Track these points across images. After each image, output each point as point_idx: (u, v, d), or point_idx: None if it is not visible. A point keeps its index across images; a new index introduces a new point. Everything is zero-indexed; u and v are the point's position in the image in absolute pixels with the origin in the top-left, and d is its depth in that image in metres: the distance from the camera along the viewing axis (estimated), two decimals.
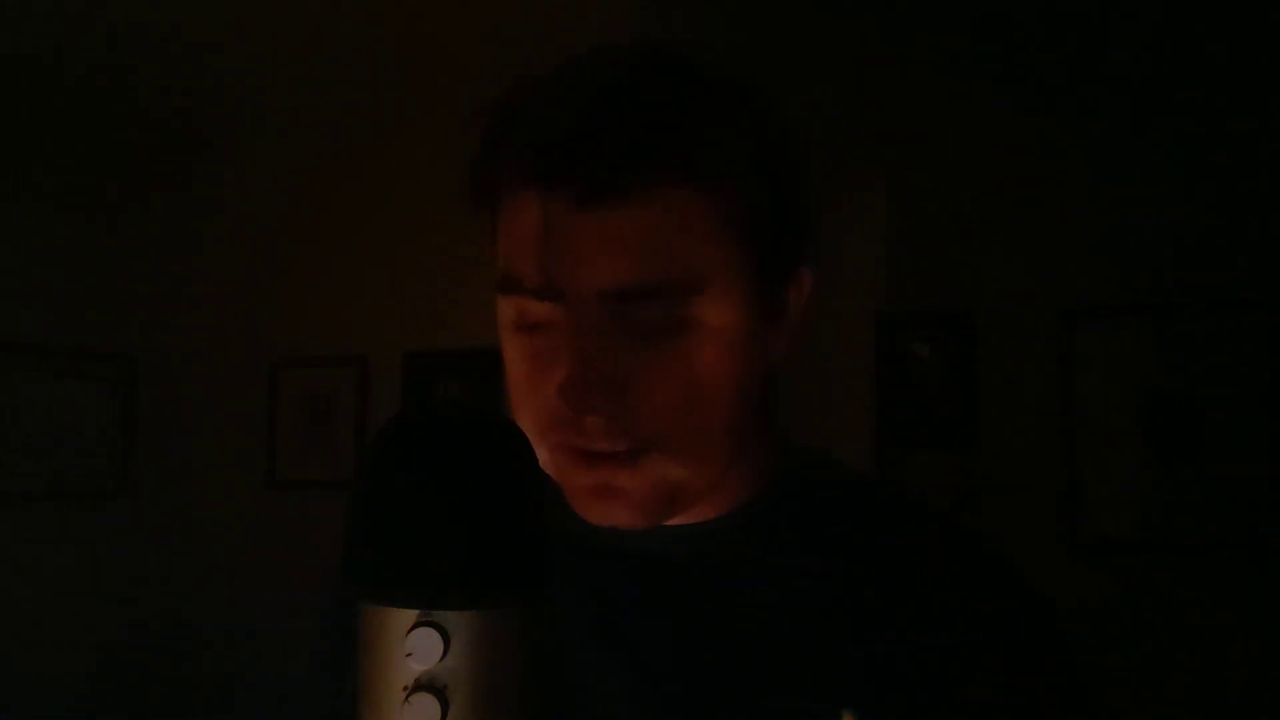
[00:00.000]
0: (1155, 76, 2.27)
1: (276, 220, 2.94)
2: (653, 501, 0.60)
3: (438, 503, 0.41)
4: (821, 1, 2.33)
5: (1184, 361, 2.19)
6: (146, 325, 2.91)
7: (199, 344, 2.97)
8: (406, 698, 0.40)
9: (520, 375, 0.62)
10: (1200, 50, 2.23)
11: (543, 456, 0.59)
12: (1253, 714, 2.05)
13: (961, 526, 0.72)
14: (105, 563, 2.70)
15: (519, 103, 0.61)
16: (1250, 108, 2.20)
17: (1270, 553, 2.10)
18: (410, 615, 0.40)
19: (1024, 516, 2.27)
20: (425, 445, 0.43)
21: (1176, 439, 2.18)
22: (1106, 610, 2.18)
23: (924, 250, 2.40)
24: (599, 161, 0.55)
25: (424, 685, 0.40)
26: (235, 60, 2.57)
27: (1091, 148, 2.31)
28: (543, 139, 0.57)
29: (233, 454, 2.93)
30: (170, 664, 2.71)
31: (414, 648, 0.40)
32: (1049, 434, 2.27)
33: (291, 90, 2.77)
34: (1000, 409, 2.32)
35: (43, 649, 2.48)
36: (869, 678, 0.61)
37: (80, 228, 2.76)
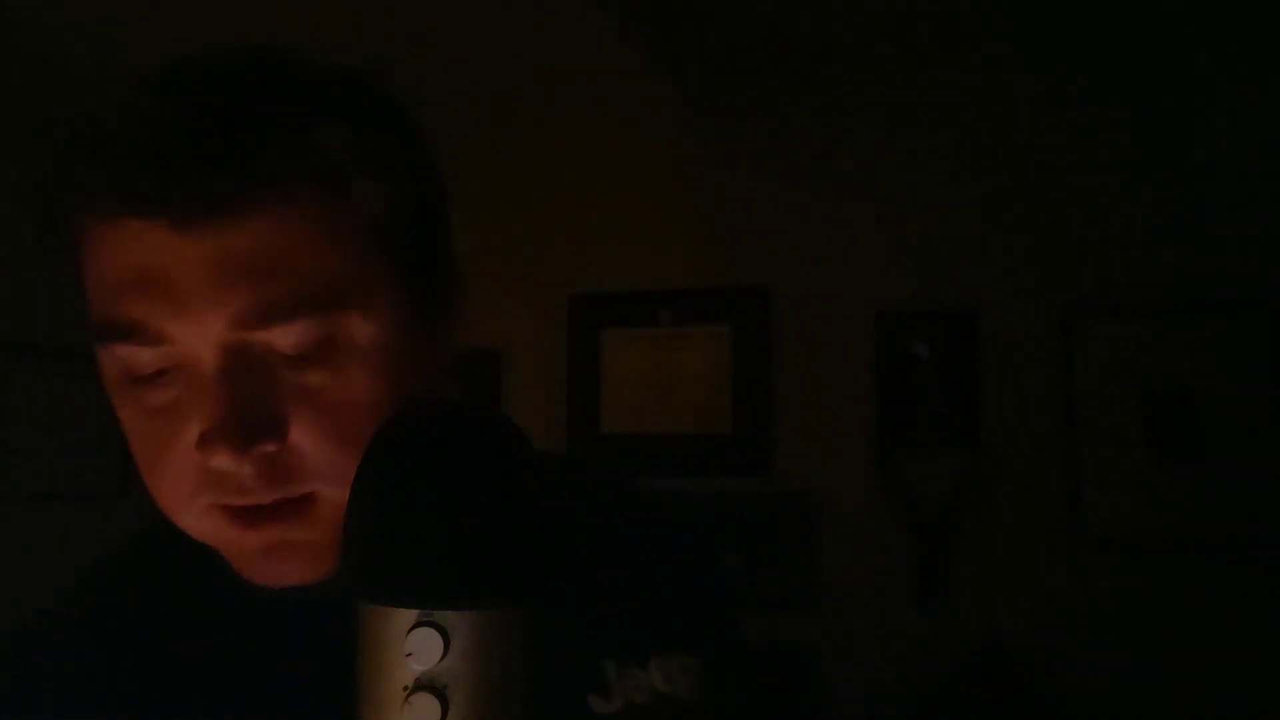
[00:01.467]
0: (1156, 76, 2.27)
1: None
2: (327, 550, 0.53)
3: (437, 503, 0.41)
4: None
5: (1184, 361, 2.19)
6: None
7: None
8: (406, 698, 0.40)
9: (145, 436, 0.54)
10: (1201, 50, 2.23)
11: (190, 523, 0.54)
12: (1253, 714, 2.05)
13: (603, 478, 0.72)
14: None
15: (98, 118, 0.53)
16: (1250, 108, 2.20)
17: (1270, 553, 2.10)
18: (410, 615, 0.40)
19: (1024, 516, 2.27)
20: (425, 445, 0.43)
21: (1176, 439, 2.18)
22: (1106, 610, 2.18)
23: (924, 250, 2.40)
24: (193, 177, 0.48)
25: (424, 685, 0.40)
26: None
27: (1092, 147, 2.31)
28: (124, 156, 0.50)
29: None
30: None
31: (414, 648, 0.40)
32: (1049, 434, 2.27)
33: None
34: (1000, 409, 2.32)
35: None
36: (614, 626, 0.59)
37: None
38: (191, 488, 0.53)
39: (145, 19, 2.32)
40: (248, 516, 0.52)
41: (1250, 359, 2.15)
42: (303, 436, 0.52)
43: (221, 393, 0.50)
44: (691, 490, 2.48)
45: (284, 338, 0.51)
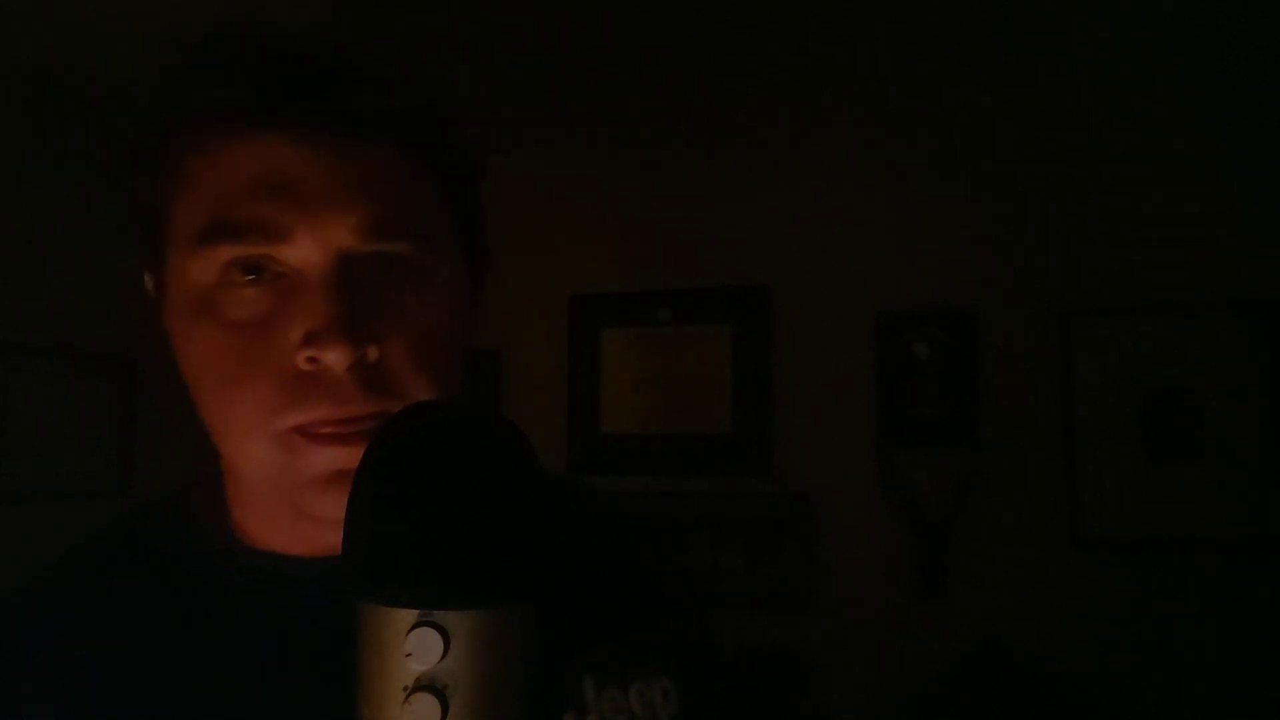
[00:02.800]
0: (1156, 76, 2.27)
1: None
2: None
3: (437, 503, 0.41)
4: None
5: (1183, 361, 2.19)
6: (146, 325, 2.90)
7: None
8: (406, 698, 0.40)
9: (237, 342, 0.54)
10: (1201, 50, 2.24)
11: (258, 451, 0.55)
12: (1253, 713, 2.05)
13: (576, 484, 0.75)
14: None
15: (221, 48, 0.58)
16: (1251, 107, 2.20)
17: (1270, 553, 2.10)
18: (410, 615, 0.40)
19: (1024, 516, 2.27)
20: (425, 445, 0.43)
21: (1176, 439, 2.18)
22: (1105, 609, 2.18)
23: (924, 250, 2.40)
24: (327, 98, 0.54)
25: (424, 685, 0.40)
26: None
27: (1092, 147, 2.31)
28: (267, 73, 0.55)
29: None
30: None
31: (414, 648, 0.40)
32: (1048, 434, 2.27)
33: None
34: (1000, 409, 2.32)
35: None
36: (595, 645, 0.61)
37: (80, 228, 2.76)
38: (277, 403, 0.54)
39: (146, 20, 2.32)
40: (333, 433, 0.53)
41: (1250, 359, 2.15)
42: (395, 352, 0.54)
43: (334, 294, 0.53)
44: (692, 490, 2.49)
45: (383, 253, 0.55)
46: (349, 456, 0.52)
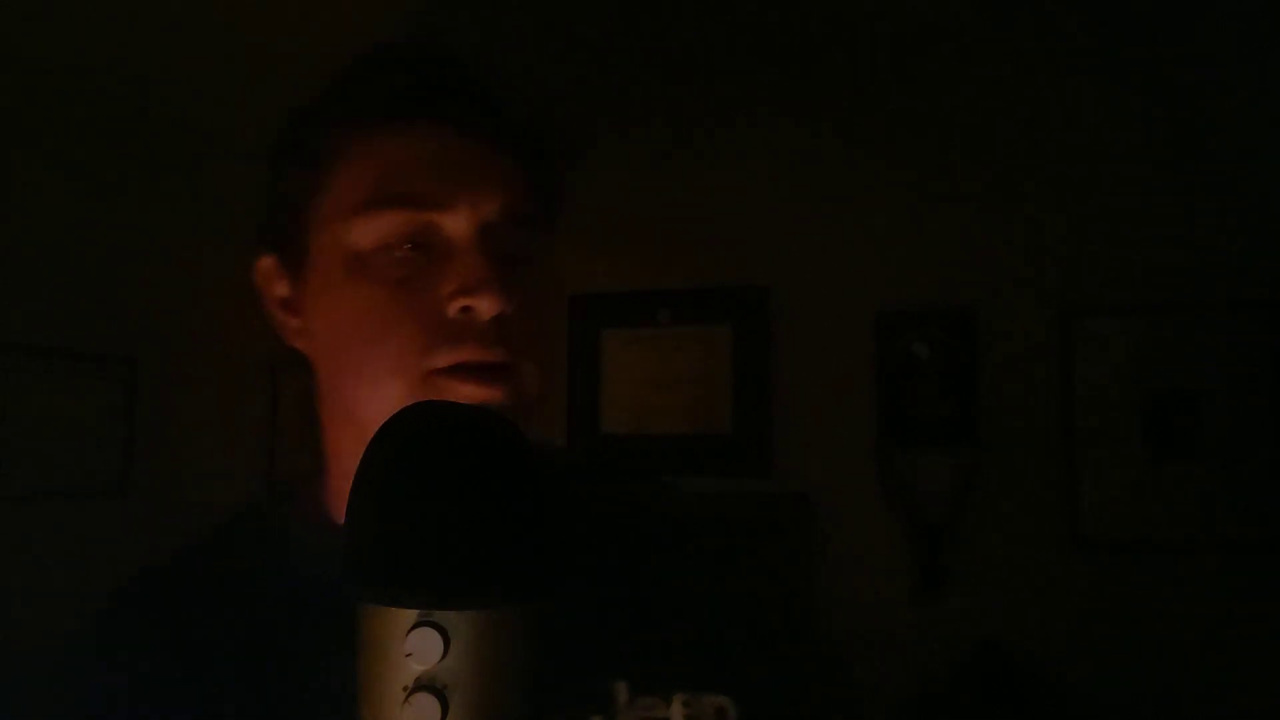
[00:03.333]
0: (1156, 76, 2.27)
1: None
2: (521, 423, 0.61)
3: (438, 502, 0.41)
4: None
5: (1184, 361, 2.19)
6: (146, 325, 2.90)
7: (199, 344, 2.97)
8: (406, 698, 0.40)
9: (388, 297, 0.63)
10: (1201, 50, 2.24)
11: (404, 387, 0.61)
12: (1253, 713, 2.05)
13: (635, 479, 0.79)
14: (105, 563, 2.70)
15: (390, 52, 0.69)
16: (1251, 107, 2.20)
17: (1269, 553, 2.10)
18: (410, 615, 0.40)
19: (1023, 516, 2.27)
20: (425, 445, 0.43)
21: (1176, 439, 2.18)
22: (1105, 609, 2.18)
23: (924, 250, 2.40)
24: (476, 100, 0.66)
25: (424, 685, 0.40)
26: (236, 60, 2.57)
27: (1092, 147, 2.31)
28: (427, 76, 0.66)
29: (233, 454, 2.93)
30: None
31: (414, 648, 0.40)
32: (1048, 434, 2.27)
33: (292, 90, 2.77)
34: (1000, 409, 2.32)
35: (42, 649, 2.48)
36: (634, 650, 0.60)
37: (81, 228, 2.76)
38: (424, 346, 0.61)
39: (145, 21, 2.31)
40: (477, 373, 0.62)
41: (1250, 359, 2.15)
42: (520, 312, 0.63)
43: (482, 258, 0.62)
44: (691, 490, 2.48)
45: (514, 232, 0.65)
46: (487, 394, 0.61)
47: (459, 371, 0.61)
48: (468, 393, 0.61)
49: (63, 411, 2.69)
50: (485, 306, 0.61)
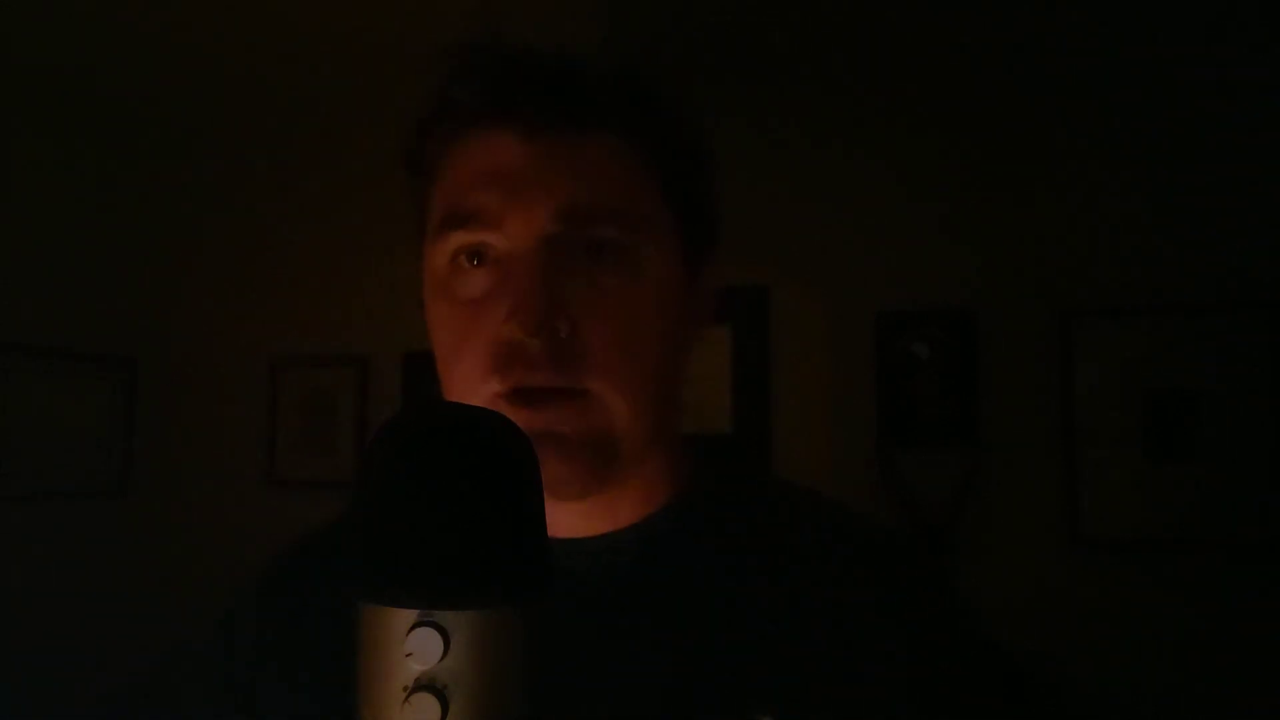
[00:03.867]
0: (1156, 76, 2.27)
1: (276, 220, 2.94)
2: (590, 454, 0.60)
3: (437, 502, 0.41)
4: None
5: (1184, 361, 2.19)
6: (146, 325, 2.91)
7: (199, 344, 2.97)
8: (406, 698, 0.40)
9: (453, 324, 0.62)
10: (1200, 50, 2.23)
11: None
12: (1252, 714, 2.05)
13: (863, 521, 0.73)
14: (105, 563, 2.70)
15: (460, 59, 0.65)
16: (1250, 107, 2.20)
17: (1269, 553, 2.10)
18: (410, 615, 0.40)
19: (1024, 516, 2.27)
20: (425, 445, 0.43)
21: (1176, 439, 2.18)
22: (1106, 610, 2.18)
23: (924, 250, 2.40)
24: (544, 99, 0.61)
25: (424, 685, 0.40)
26: (236, 60, 2.57)
27: (1092, 148, 2.31)
28: (493, 82, 0.62)
29: (232, 453, 2.93)
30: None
31: (414, 648, 0.40)
32: (1049, 434, 2.27)
33: (292, 90, 2.77)
34: (1000, 409, 2.32)
35: (42, 649, 2.48)
36: (786, 679, 0.60)
37: (80, 228, 2.76)
38: (486, 370, 0.60)
39: (144, 21, 2.31)
40: (527, 400, 0.59)
41: (1250, 359, 2.15)
42: (590, 331, 0.59)
43: (531, 275, 0.59)
44: None
45: (591, 236, 0.60)
46: (538, 420, 0.59)
47: (514, 397, 0.59)
48: (524, 420, 0.56)
49: (63, 411, 2.69)
50: (523, 331, 0.58)
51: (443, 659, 0.40)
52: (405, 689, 0.40)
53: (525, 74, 0.62)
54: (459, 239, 0.62)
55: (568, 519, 0.64)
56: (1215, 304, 2.19)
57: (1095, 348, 2.25)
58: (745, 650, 0.61)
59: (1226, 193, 2.20)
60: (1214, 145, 2.22)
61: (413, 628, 0.40)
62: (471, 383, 0.60)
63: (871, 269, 2.43)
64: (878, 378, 2.40)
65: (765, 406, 2.48)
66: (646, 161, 0.64)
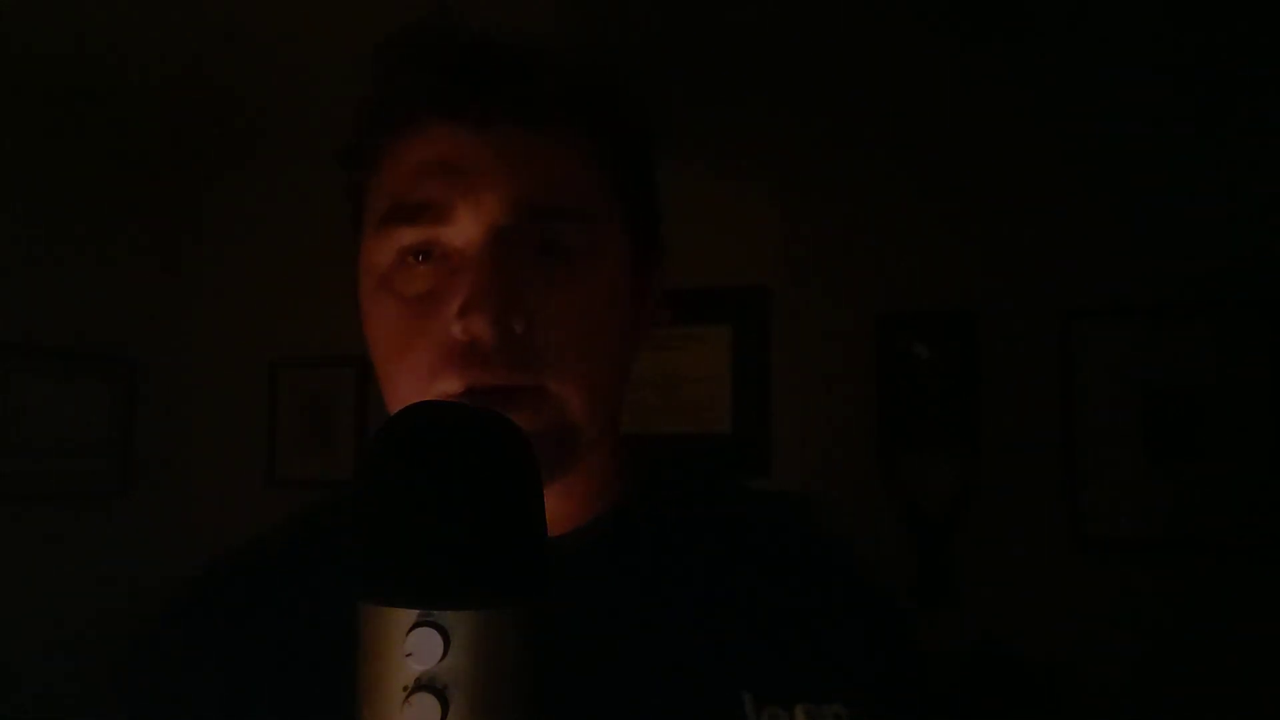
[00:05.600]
0: (1155, 76, 2.27)
1: (276, 220, 2.94)
2: (549, 447, 0.58)
3: (438, 502, 0.41)
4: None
5: (1184, 361, 2.19)
6: (146, 325, 2.91)
7: (199, 344, 2.97)
8: (406, 698, 0.40)
9: (399, 322, 0.60)
10: (1200, 50, 2.23)
11: None
12: (1253, 714, 2.05)
13: (797, 501, 0.76)
14: (105, 563, 2.70)
15: (406, 46, 0.62)
16: (1250, 107, 2.20)
17: (1270, 553, 2.10)
18: (410, 615, 0.40)
19: (1024, 516, 2.27)
20: (425, 445, 0.43)
21: (1176, 439, 2.18)
22: (1106, 610, 2.18)
23: (924, 250, 2.40)
24: (497, 89, 0.59)
25: (424, 685, 0.40)
26: (235, 60, 2.57)
27: (1092, 148, 2.31)
28: (441, 71, 0.60)
29: (233, 454, 2.93)
30: None
31: (414, 648, 0.40)
32: (1049, 434, 2.27)
33: (291, 90, 2.77)
34: (1000, 409, 2.32)
35: (42, 649, 2.48)
36: (758, 662, 0.62)
37: (81, 228, 2.76)
38: (436, 369, 0.58)
39: (144, 23, 2.31)
40: (484, 396, 0.57)
41: (1250, 359, 2.15)
42: (544, 326, 0.58)
43: (485, 270, 0.57)
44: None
45: (542, 231, 0.59)
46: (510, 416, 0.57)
47: (469, 396, 0.57)
48: None
49: (63, 411, 2.69)
50: (479, 328, 0.56)
51: (443, 659, 0.40)
52: (405, 689, 0.40)
53: (477, 62, 0.60)
54: (406, 234, 0.59)
55: None
56: (1215, 304, 2.19)
57: (1095, 348, 2.25)
58: (711, 637, 0.63)
59: (1226, 193, 2.20)
60: (1214, 145, 2.22)
61: (413, 628, 0.40)
62: (420, 383, 0.58)
63: (871, 269, 2.43)
64: (878, 378, 2.40)
65: (765, 406, 2.48)
66: (601, 159, 0.62)
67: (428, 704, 0.39)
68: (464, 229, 0.58)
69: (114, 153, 2.84)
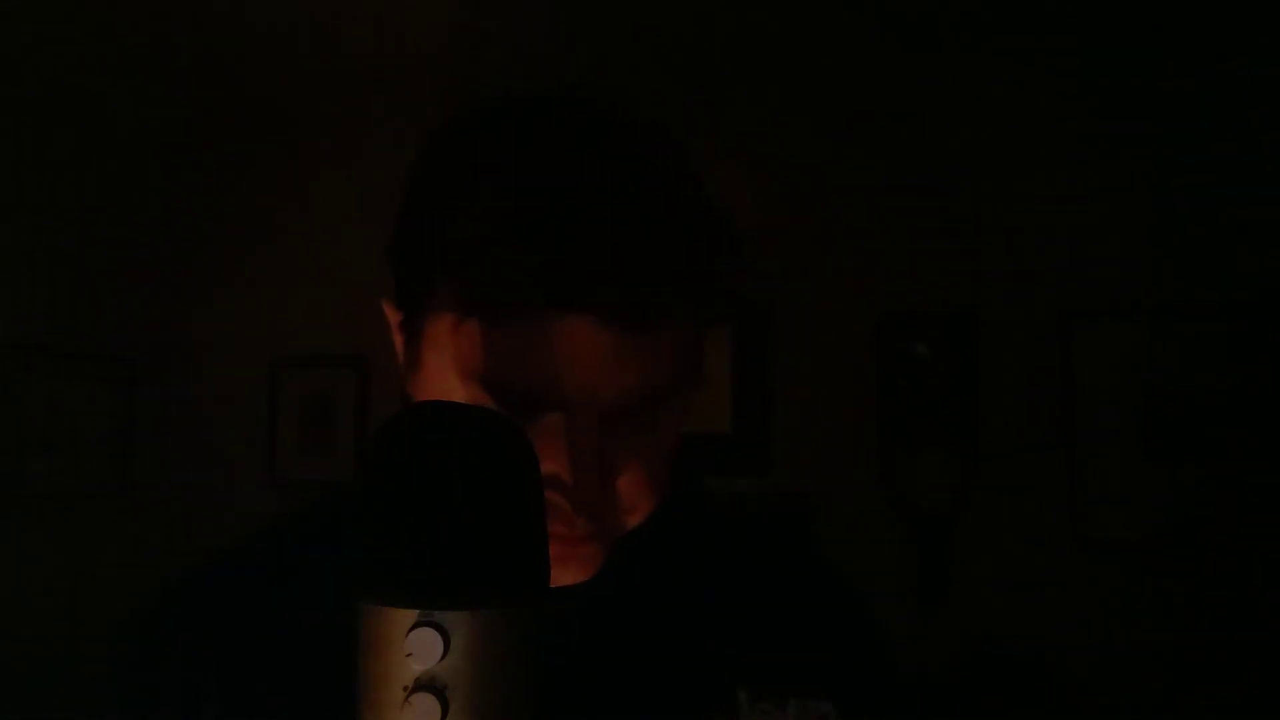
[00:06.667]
0: (1155, 76, 2.27)
1: (276, 220, 2.94)
2: (596, 560, 0.61)
3: (438, 502, 0.41)
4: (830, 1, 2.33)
5: (1184, 361, 2.19)
6: (146, 325, 2.91)
7: (199, 344, 2.97)
8: (406, 698, 0.40)
9: None
10: (1200, 50, 2.23)
11: None
12: (1252, 714, 2.05)
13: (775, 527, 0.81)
14: (105, 563, 2.70)
15: (506, 202, 0.54)
16: (1250, 107, 2.20)
17: (1270, 553, 2.10)
18: (410, 615, 0.40)
19: (1024, 516, 2.27)
20: (425, 445, 0.43)
21: (1176, 439, 2.18)
22: (1106, 610, 2.18)
23: (924, 250, 2.40)
24: (629, 290, 0.53)
25: (424, 685, 0.40)
26: (235, 60, 2.57)
27: (1091, 148, 2.31)
28: (557, 255, 0.52)
29: (233, 454, 2.93)
30: None
31: (414, 648, 0.40)
32: (1049, 434, 2.27)
33: (291, 90, 2.77)
34: (1000, 409, 2.32)
35: (42, 649, 2.48)
36: (751, 659, 0.65)
37: (80, 228, 2.76)
38: None
39: (145, 21, 2.31)
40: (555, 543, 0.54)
41: (1250, 359, 2.15)
42: (624, 484, 0.58)
43: (590, 460, 0.55)
44: None
45: (636, 416, 0.57)
46: (571, 548, 0.58)
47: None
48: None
49: (63, 411, 2.69)
50: (576, 509, 0.55)
51: (443, 659, 0.40)
52: (405, 689, 0.40)
53: (594, 254, 0.52)
54: (497, 400, 0.55)
55: None
56: (1215, 304, 2.19)
57: (1095, 348, 2.25)
58: (705, 637, 0.65)
59: (1226, 193, 2.20)
60: (1214, 145, 2.22)
61: (413, 628, 0.40)
62: None
63: (871, 269, 2.43)
64: (878, 378, 2.40)
65: (765, 406, 2.48)
66: (700, 316, 0.59)
67: (428, 704, 0.39)
68: (572, 414, 0.55)
69: (114, 152, 2.84)
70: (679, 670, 0.64)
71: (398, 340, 0.63)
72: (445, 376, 0.57)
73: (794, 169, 2.51)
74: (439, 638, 0.40)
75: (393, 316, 0.63)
